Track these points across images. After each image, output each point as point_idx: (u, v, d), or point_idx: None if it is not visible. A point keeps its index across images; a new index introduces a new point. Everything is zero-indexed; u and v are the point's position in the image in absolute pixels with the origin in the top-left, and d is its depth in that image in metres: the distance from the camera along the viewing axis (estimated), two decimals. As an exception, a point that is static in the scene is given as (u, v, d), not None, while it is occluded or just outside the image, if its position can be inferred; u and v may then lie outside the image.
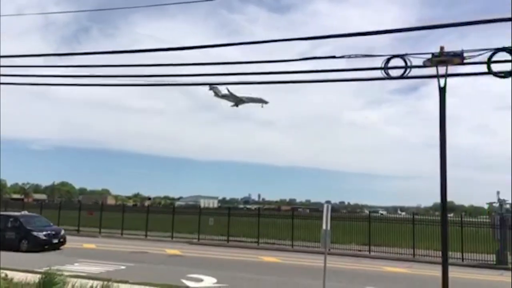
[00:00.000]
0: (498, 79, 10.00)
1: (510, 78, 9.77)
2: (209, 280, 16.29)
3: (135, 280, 14.72)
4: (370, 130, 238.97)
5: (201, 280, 16.22)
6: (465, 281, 18.28)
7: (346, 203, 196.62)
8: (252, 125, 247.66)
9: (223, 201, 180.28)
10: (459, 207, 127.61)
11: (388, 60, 10.03)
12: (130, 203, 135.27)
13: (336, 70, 10.71)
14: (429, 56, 9.58)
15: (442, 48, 9.34)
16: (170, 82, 13.21)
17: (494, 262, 24.33)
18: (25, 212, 28.02)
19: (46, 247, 24.12)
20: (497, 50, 9.26)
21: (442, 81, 9.74)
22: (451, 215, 38.72)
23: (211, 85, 59.22)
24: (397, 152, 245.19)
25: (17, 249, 23.33)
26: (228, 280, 16.38)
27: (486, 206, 28.78)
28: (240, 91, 63.76)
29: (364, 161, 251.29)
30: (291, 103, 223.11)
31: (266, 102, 67.15)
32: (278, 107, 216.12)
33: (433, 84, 9.94)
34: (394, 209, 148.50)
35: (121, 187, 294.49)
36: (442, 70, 9.68)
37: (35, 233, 24.43)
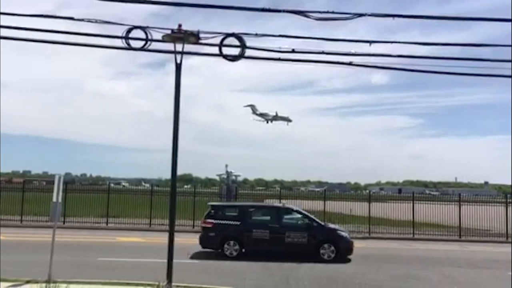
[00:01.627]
0: (230, 62, 11.11)
1: (238, 62, 10.96)
2: None
3: None
4: (116, 101, 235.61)
5: None
6: (189, 245, 19.84)
7: (88, 175, 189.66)
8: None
9: None
10: (196, 179, 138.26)
11: (129, 30, 9.92)
12: None
13: (76, 34, 10.03)
14: (169, 31, 9.91)
15: (180, 25, 9.75)
16: None
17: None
18: (285, 202, 18.48)
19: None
20: (228, 35, 10.16)
21: (179, 57, 10.22)
22: (188, 186, 41.56)
23: (250, 104, 68.16)
24: (143, 125, 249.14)
25: (315, 259, 15.94)
26: None
27: (218, 178, 31.81)
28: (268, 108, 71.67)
29: (108, 133, 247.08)
30: (31, 65, 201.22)
31: (290, 121, 72.37)
32: (14, 68, 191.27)
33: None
34: (138, 181, 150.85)
35: None
36: (180, 47, 10.14)
37: (344, 234, 17.33)
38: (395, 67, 11.87)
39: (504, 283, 13.11)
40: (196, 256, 16.80)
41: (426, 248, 21.51)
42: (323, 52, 9.95)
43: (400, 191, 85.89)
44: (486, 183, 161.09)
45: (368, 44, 9.85)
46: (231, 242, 16.69)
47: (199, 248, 17.32)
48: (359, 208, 28.59)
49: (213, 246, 17.18)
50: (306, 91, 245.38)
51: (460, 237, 25.80)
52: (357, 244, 22.62)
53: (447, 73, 12.09)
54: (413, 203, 27.46)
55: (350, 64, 9.81)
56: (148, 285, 10.57)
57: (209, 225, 17.21)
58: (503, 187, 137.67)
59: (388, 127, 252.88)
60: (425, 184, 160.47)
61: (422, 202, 30.15)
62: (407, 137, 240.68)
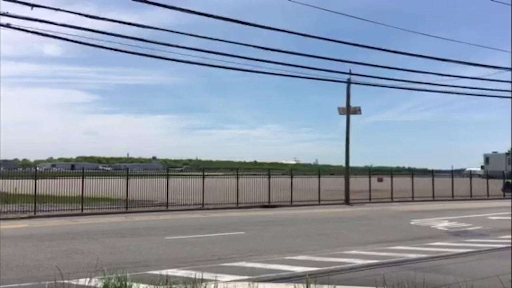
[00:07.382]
0: None
1: None
2: None
3: None
4: None
5: None
6: None
7: None
8: None
9: None
10: None
11: None
12: None
13: None
14: None
15: None
16: None
17: None
18: None
19: None
20: None
21: None
22: None
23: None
24: None
25: None
26: None
27: None
28: None
29: None
30: None
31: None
32: None
33: None
34: None
35: None
36: None
37: None
38: (66, 38, 11.49)
39: (160, 246, 14.64)
40: None
41: (93, 222, 21.82)
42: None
43: (73, 167, 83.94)
44: (154, 158, 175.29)
45: (30, 7, 9.11)
46: None
47: None
48: (26, 186, 26.61)
49: None
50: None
51: (127, 209, 27.30)
52: (21, 224, 21.13)
53: (122, 51, 12.52)
54: (82, 178, 27.49)
55: (7, 26, 8.85)
56: None
57: None
58: (167, 161, 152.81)
59: (63, 102, 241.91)
60: (99, 160, 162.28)
61: (94, 177, 30.40)
62: (82, 113, 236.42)
